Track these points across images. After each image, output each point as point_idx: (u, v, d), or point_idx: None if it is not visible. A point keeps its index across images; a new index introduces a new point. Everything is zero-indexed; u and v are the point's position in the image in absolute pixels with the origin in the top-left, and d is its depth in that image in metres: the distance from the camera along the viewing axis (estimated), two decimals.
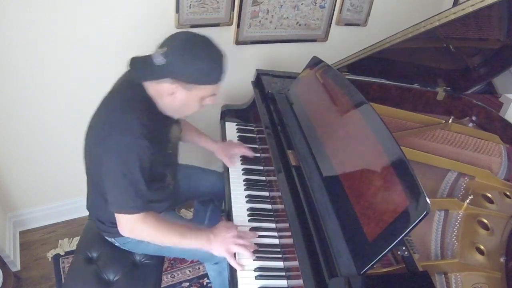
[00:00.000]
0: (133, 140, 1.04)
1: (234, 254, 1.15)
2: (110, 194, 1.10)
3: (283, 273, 1.12)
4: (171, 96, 1.09)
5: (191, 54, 1.03)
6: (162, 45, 1.05)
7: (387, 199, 0.92)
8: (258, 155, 1.59)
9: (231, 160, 1.52)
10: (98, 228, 1.33)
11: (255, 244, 1.19)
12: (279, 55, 2.15)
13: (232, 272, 1.12)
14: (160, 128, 1.16)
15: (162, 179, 1.29)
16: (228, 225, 1.22)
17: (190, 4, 1.74)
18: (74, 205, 2.03)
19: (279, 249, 1.19)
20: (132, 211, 1.09)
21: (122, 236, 1.26)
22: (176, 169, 1.39)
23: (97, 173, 1.12)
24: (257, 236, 1.23)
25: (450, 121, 1.67)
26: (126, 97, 1.12)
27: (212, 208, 1.70)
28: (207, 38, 1.08)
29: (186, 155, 1.78)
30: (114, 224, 1.28)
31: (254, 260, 1.15)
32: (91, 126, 1.15)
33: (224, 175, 1.52)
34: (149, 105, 1.12)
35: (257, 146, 1.65)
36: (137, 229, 1.13)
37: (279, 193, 1.21)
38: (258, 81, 1.74)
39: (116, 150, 1.05)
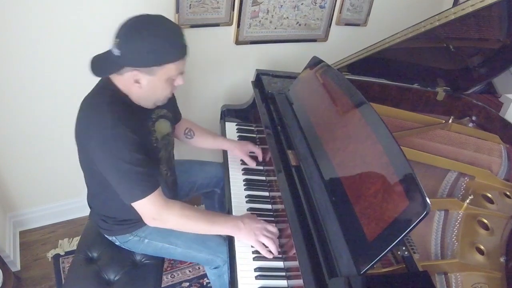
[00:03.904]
0: (111, 132, 1.04)
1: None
2: (118, 189, 1.10)
3: (283, 273, 1.12)
4: (136, 84, 1.08)
5: (140, 37, 1.01)
6: (116, 35, 1.04)
7: (387, 199, 0.92)
8: (260, 160, 1.58)
9: (250, 159, 1.52)
10: (99, 226, 1.33)
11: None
12: (279, 55, 2.15)
13: (232, 272, 1.12)
14: (135, 118, 1.13)
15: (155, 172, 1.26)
16: (255, 216, 1.23)
17: (190, 4, 1.74)
18: (74, 205, 2.03)
19: (279, 249, 1.19)
20: (144, 194, 1.08)
21: (122, 234, 1.26)
22: (172, 166, 1.38)
23: (99, 173, 1.12)
24: (279, 234, 1.22)
25: (450, 121, 1.67)
26: (96, 97, 1.12)
27: (218, 199, 1.70)
28: (156, 17, 1.05)
29: (184, 150, 1.78)
30: (118, 221, 1.27)
31: (254, 260, 1.15)
32: (76, 135, 1.14)
33: (223, 167, 1.53)
34: (118, 97, 1.11)
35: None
36: (160, 216, 1.12)
37: (279, 193, 1.21)
38: (258, 81, 1.74)
39: (101, 148, 1.05)
